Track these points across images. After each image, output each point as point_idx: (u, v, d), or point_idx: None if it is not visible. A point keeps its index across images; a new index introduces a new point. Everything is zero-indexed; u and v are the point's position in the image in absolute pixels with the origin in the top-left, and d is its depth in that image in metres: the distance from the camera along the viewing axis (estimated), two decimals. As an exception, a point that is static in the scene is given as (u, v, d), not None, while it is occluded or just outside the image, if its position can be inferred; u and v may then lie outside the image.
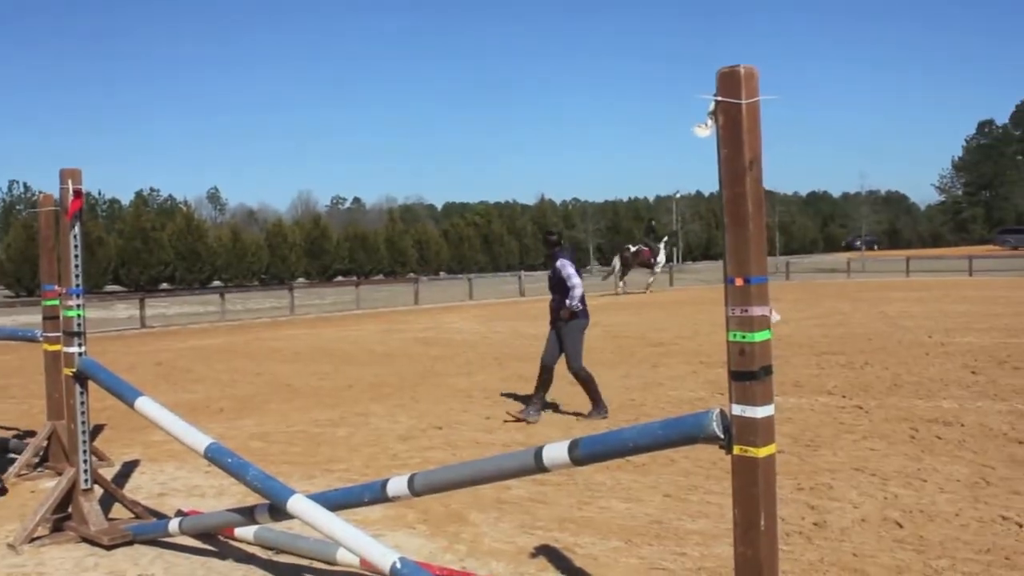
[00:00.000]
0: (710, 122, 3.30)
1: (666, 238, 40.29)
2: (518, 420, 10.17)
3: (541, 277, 51.93)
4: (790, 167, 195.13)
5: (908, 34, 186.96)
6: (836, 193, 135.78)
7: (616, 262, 37.81)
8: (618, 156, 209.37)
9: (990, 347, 15.01)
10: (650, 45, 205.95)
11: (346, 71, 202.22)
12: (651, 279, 37.47)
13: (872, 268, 52.89)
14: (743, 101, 3.23)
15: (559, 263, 10.55)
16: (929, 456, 7.92)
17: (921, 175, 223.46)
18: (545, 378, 10.48)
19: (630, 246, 38.29)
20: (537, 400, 10.44)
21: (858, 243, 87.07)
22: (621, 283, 37.00)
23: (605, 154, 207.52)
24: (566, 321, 10.47)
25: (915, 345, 15.65)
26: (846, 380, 12.13)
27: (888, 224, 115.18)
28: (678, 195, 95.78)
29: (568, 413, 10.76)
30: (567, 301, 10.38)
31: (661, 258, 37.99)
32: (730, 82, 3.27)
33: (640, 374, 13.48)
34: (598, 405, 10.43)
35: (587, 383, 10.41)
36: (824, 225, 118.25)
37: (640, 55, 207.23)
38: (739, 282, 3.27)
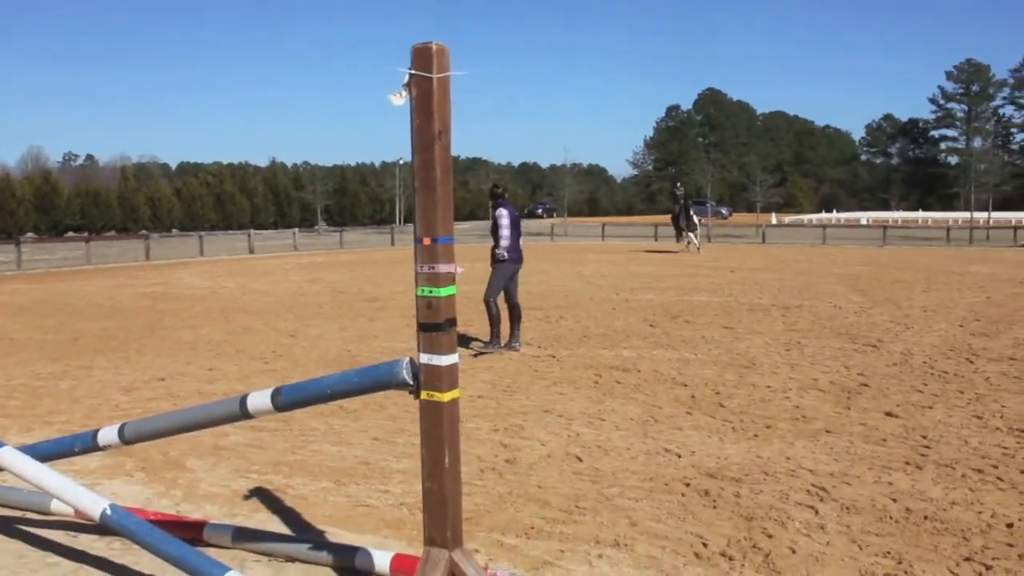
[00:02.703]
0: (404, 93, 3.30)
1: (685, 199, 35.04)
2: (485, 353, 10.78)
3: (271, 236, 50.42)
4: (505, 139, 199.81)
5: (613, 23, 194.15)
6: (544, 164, 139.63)
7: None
8: (347, 121, 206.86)
9: (667, 304, 15.92)
10: (380, 10, 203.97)
11: (78, 23, 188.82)
12: (693, 239, 33.90)
13: (573, 233, 54.91)
14: (434, 75, 3.26)
15: (497, 212, 10.96)
16: (609, 399, 8.33)
17: (618, 151, 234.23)
18: (513, 314, 11.23)
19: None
20: (512, 334, 11.17)
21: (540, 211, 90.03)
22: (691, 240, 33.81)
23: (335, 119, 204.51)
24: (494, 263, 10.99)
25: (604, 301, 16.39)
26: (542, 332, 12.54)
27: (588, 194, 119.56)
28: (401, 161, 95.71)
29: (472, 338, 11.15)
30: (496, 249, 10.90)
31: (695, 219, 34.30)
32: (423, 57, 3.28)
33: (357, 327, 13.44)
34: (494, 339, 11.00)
35: (492, 317, 10.98)
36: (533, 193, 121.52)
37: (366, 17, 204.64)
38: (427, 241, 3.32)
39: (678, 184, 39.94)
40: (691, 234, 33.45)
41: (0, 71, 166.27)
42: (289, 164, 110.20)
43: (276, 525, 5.11)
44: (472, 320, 13.12)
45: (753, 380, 9.08)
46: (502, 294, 11.19)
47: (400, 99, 3.33)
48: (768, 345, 11.29)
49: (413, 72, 3.31)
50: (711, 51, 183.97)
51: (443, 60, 3.33)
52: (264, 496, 5.62)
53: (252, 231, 43.82)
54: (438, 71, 3.30)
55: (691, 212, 33.89)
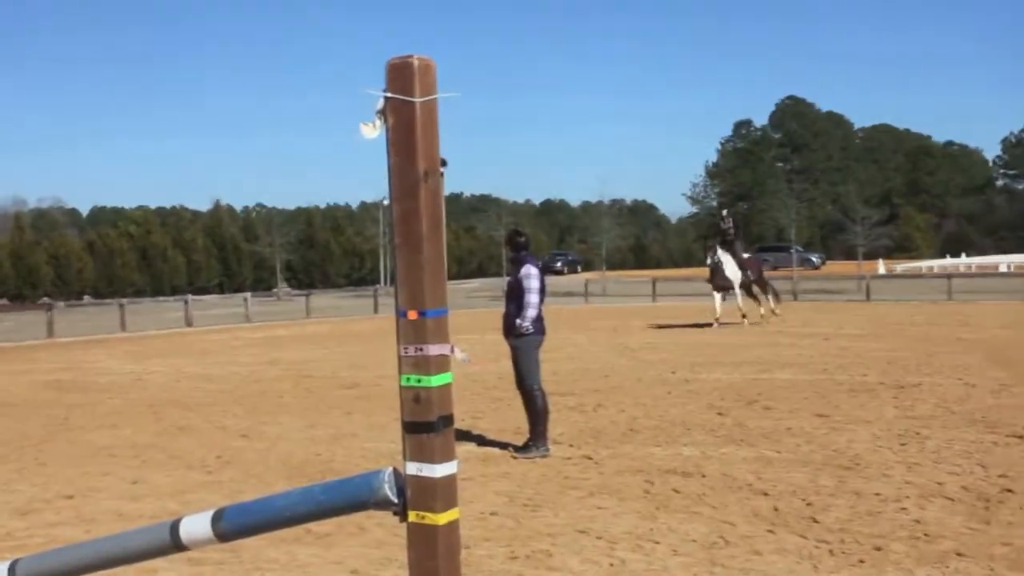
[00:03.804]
0: (379, 122, 3.34)
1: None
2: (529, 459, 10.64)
3: (215, 302, 50.92)
4: (522, 171, 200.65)
5: (659, 18, 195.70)
6: (574, 202, 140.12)
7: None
8: (313, 155, 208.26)
9: (739, 384, 15.95)
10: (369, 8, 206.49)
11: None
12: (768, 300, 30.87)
13: (614, 291, 54.98)
14: (416, 99, 3.28)
15: (524, 270, 10.96)
16: (664, 513, 8.33)
17: (671, 183, 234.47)
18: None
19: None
20: (534, 430, 11.02)
21: (559, 263, 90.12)
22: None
23: (298, 148, 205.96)
24: (517, 336, 10.94)
25: (656, 383, 16.42)
26: (575, 426, 12.57)
27: (634, 239, 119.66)
28: (386, 202, 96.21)
29: (493, 443, 11.24)
30: (519, 320, 10.88)
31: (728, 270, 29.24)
32: (401, 75, 3.30)
33: (330, 423, 13.49)
34: (540, 439, 10.87)
35: (536, 409, 10.91)
36: (560, 239, 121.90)
37: (352, 15, 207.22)
38: (412, 315, 3.33)
39: (724, 213, 33.76)
40: (738, 292, 29.16)
41: None
42: (238, 208, 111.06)
43: None
44: (483, 411, 13.16)
45: (856, 486, 9.06)
46: (515, 376, 11.27)
47: (374, 130, 3.36)
48: (876, 438, 11.28)
49: (389, 95, 3.34)
50: (791, 49, 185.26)
51: (428, 79, 3.34)
52: (205, 653, 5.63)
53: (190, 297, 44.16)
54: (422, 93, 3.31)
55: (738, 253, 29.58)
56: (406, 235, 3.34)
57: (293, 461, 10.92)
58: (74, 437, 13.07)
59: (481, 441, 11.69)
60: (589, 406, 14.13)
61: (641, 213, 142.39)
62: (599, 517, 8.27)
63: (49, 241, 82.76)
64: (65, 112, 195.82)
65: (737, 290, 29.24)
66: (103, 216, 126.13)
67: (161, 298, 60.61)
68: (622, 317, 35.02)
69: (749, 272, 29.62)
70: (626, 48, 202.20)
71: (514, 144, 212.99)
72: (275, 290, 71.49)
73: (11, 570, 4.28)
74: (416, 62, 3.32)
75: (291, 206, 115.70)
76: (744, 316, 28.77)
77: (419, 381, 3.35)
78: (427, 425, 3.36)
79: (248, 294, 47.37)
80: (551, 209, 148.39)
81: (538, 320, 11.07)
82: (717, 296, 29.25)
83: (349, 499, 3.54)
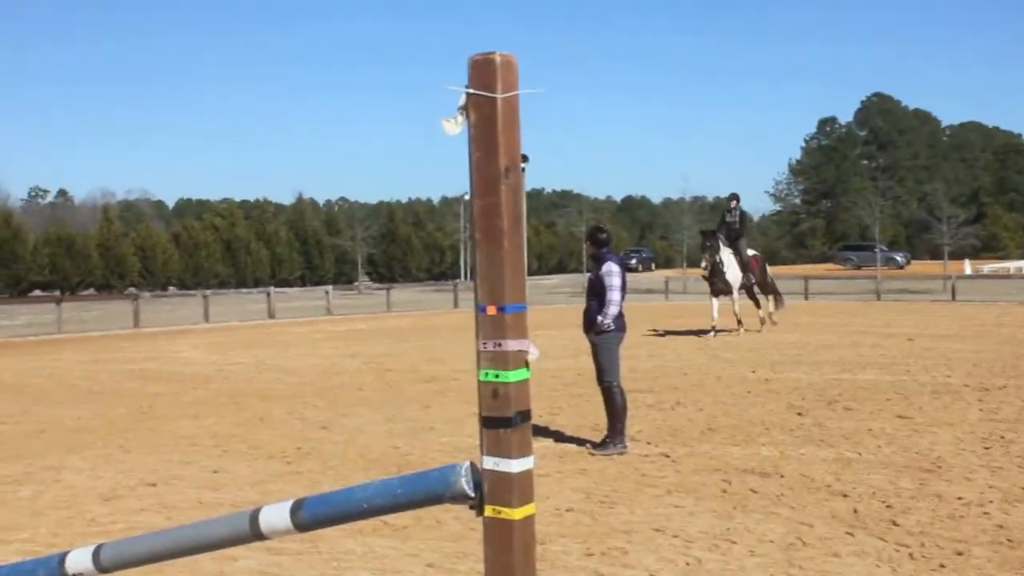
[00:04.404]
0: (460, 118, 3.35)
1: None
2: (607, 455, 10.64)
3: (297, 295, 51.37)
4: (603, 167, 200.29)
5: (743, 15, 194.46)
6: (656, 199, 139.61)
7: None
8: (395, 148, 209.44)
9: (820, 384, 15.80)
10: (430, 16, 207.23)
11: (47, 31, 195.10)
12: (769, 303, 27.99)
13: (694, 289, 54.64)
14: (499, 95, 3.29)
15: (606, 267, 11.00)
16: (741, 513, 8.28)
17: (754, 180, 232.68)
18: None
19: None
20: (612, 427, 10.97)
21: (633, 260, 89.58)
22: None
23: (379, 146, 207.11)
24: (598, 333, 10.97)
25: (736, 381, 16.33)
26: (653, 423, 12.54)
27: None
28: (467, 197, 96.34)
29: (570, 440, 11.18)
30: (599, 316, 10.91)
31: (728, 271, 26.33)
32: (484, 72, 3.31)
33: (408, 417, 13.57)
34: (618, 436, 10.87)
35: (615, 406, 10.90)
36: (641, 236, 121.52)
37: (415, 30, 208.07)
38: (491, 311, 3.34)
39: (733, 204, 28.27)
40: (735, 297, 26.45)
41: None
42: (320, 201, 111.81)
43: None
44: (561, 407, 13.16)
45: (938, 489, 8.96)
46: (595, 372, 11.28)
47: (456, 127, 3.37)
48: (959, 441, 11.14)
49: (471, 91, 3.35)
50: (877, 45, 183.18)
51: (510, 75, 3.35)
52: (282, 642, 5.70)
53: (272, 289, 44.54)
54: (503, 89, 3.32)
55: (742, 252, 26.61)
56: (487, 231, 3.34)
57: (371, 454, 11.00)
58: (157, 426, 13.26)
59: (558, 437, 11.70)
60: (667, 404, 14.09)
61: (723, 210, 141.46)
62: (675, 516, 8.25)
63: (136, 232, 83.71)
64: (151, 106, 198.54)
65: (735, 294, 26.36)
66: (188, 208, 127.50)
67: (244, 290, 61.20)
68: (702, 315, 34.77)
69: (751, 274, 26.67)
70: (709, 44, 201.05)
71: (596, 140, 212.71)
72: (356, 284, 71.87)
73: (96, 554, 4.37)
74: (498, 58, 3.32)
75: (373, 200, 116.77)
76: (740, 323, 26.06)
77: (497, 376, 3.36)
78: (504, 420, 3.36)
79: (330, 287, 47.66)
80: (632, 206, 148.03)
81: (619, 317, 11.08)
82: (715, 301, 26.34)
83: (427, 492, 3.56)
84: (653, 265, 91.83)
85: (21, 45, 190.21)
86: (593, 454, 10.79)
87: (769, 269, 28.88)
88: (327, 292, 44.32)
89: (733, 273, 25.97)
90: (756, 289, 27.31)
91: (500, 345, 3.35)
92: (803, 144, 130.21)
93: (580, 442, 11.32)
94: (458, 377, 17.77)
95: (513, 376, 3.36)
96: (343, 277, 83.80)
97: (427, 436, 12.09)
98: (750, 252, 27.19)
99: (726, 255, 25.97)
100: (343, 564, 7.07)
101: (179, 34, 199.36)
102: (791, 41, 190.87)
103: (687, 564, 6.94)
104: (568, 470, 10.01)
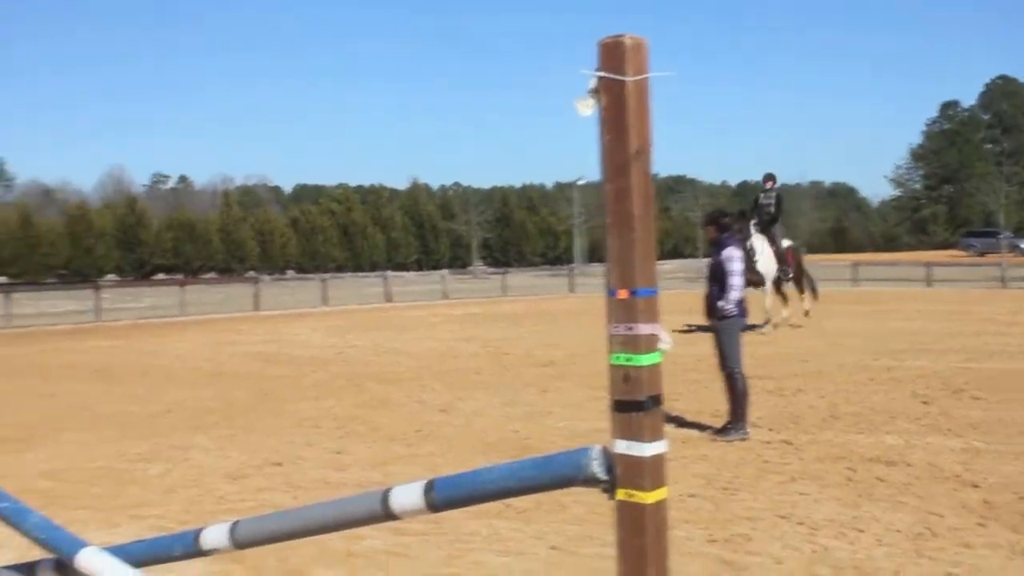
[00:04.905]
0: (592, 101, 3.35)
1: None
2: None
3: (413, 279, 51.64)
4: (717, 152, 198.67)
5: (858, 3, 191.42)
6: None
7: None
8: (509, 134, 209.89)
9: (945, 372, 15.51)
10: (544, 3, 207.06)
11: (170, 20, 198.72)
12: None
13: (813, 275, 53.99)
14: (628, 78, 3.28)
15: (727, 252, 11.07)
16: (867, 502, 8.17)
17: (873, 166, 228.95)
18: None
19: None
20: (735, 413, 10.98)
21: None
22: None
23: (493, 131, 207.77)
24: (720, 319, 11.02)
25: (858, 369, 16.10)
26: (774, 410, 12.43)
27: (834, 222, 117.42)
28: (582, 182, 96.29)
29: (690, 425, 11.24)
30: (721, 302, 10.95)
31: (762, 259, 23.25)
32: (614, 54, 3.29)
33: (525, 400, 13.62)
34: (739, 422, 10.88)
35: (737, 392, 10.93)
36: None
37: (531, 12, 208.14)
38: (623, 294, 3.33)
39: (768, 185, 24.94)
40: (768, 288, 23.48)
41: (69, 72, 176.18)
42: (435, 186, 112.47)
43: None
44: (680, 393, 13.11)
45: (1072, 480, 8.76)
46: (717, 358, 11.22)
47: (588, 108, 3.37)
48: (1092, 431, 10.87)
49: (601, 74, 3.35)
50: (1002, 26, 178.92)
51: (640, 58, 3.33)
52: (408, 621, 5.76)
53: (389, 273, 44.98)
54: (634, 72, 3.30)
55: (777, 240, 23.96)
56: (618, 214, 3.33)
57: (489, 437, 11.07)
58: (279, 407, 13.48)
59: (679, 423, 11.64)
60: (788, 390, 13.96)
61: (841, 196, 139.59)
62: (800, 503, 8.17)
63: (255, 217, 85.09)
64: (268, 93, 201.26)
65: (768, 286, 23.42)
66: (305, 194, 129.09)
67: (361, 274, 61.87)
68: (822, 302, 34.36)
69: (787, 267, 23.87)
70: (827, 28, 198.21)
71: (710, 125, 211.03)
72: (471, 268, 72.26)
73: (232, 531, 4.46)
74: (628, 41, 3.30)
75: (486, 185, 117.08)
76: (769, 320, 23.05)
77: (629, 360, 3.35)
78: (636, 404, 3.35)
79: (445, 271, 48.08)
80: (747, 191, 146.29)
81: (740, 302, 11.02)
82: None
83: (557, 475, 3.57)
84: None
85: (139, 36, 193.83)
86: (714, 440, 10.74)
87: (806, 261, 26.88)
88: (443, 276, 44.68)
89: (765, 263, 23.10)
90: (790, 284, 24.64)
91: (632, 329, 3.33)
92: (924, 128, 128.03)
93: (701, 428, 11.27)
94: (575, 362, 17.79)
95: (645, 360, 3.34)
96: (458, 261, 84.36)
97: (545, 420, 12.12)
98: (785, 243, 24.34)
99: (759, 242, 23.02)
100: (467, 545, 7.13)
101: (294, 23, 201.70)
102: (913, 24, 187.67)
103: (813, 552, 6.88)
104: (689, 456, 9.97)
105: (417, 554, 6.96)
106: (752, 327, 20.08)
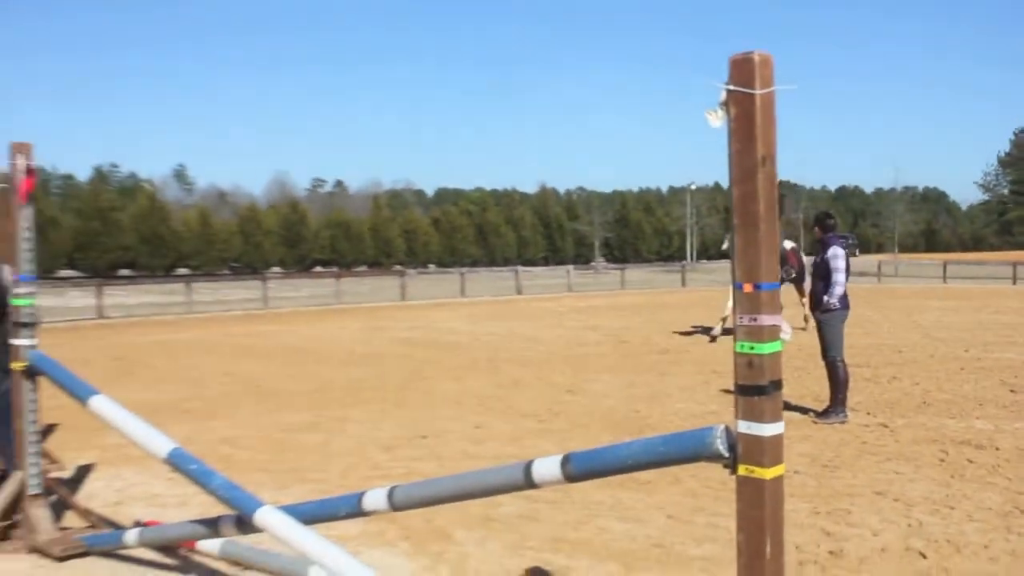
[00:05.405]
0: (721, 112, 3.33)
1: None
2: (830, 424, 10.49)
3: (540, 274, 51.72)
4: (818, 158, 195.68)
5: (951, 18, 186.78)
6: (869, 189, 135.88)
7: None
8: (627, 143, 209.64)
9: (1032, 364, 15.07)
10: (663, 24, 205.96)
11: (330, 43, 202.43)
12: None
13: (905, 273, 53.01)
14: (757, 91, 3.25)
15: (831, 251, 10.94)
16: (959, 481, 7.97)
17: (963, 172, 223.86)
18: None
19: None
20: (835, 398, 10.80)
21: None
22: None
23: (613, 141, 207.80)
24: (824, 312, 10.89)
25: (949, 359, 15.72)
26: (871, 396, 12.19)
27: (925, 224, 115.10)
28: (693, 187, 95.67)
29: (793, 408, 11.06)
30: (825, 296, 10.80)
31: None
32: (743, 70, 3.28)
33: (645, 383, 13.54)
34: (839, 407, 10.74)
35: (838, 378, 10.76)
36: (854, 223, 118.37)
37: (652, 33, 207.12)
38: (748, 288, 3.31)
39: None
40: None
41: (241, 89, 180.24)
42: (561, 190, 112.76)
43: (557, 614, 5.23)
44: (784, 379, 12.91)
45: None
46: (820, 347, 11.04)
47: (718, 120, 3.35)
48: None
49: (732, 88, 3.32)
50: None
51: (767, 72, 3.30)
52: (542, 579, 5.76)
53: (519, 268, 45.07)
54: (761, 86, 3.27)
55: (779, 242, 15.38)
56: (744, 214, 3.31)
57: (614, 416, 11.01)
58: (426, 386, 13.59)
59: (783, 406, 11.42)
60: (884, 378, 13.68)
61: (932, 200, 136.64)
62: (896, 481, 7.99)
63: (402, 218, 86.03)
64: (415, 105, 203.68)
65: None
66: (446, 196, 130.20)
67: (495, 268, 62.13)
68: (914, 297, 33.71)
69: (790, 268, 20.13)
70: (920, 37, 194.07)
71: (812, 132, 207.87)
72: (593, 264, 72.19)
73: (390, 494, 4.51)
74: (757, 57, 3.28)
75: (607, 189, 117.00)
76: (722, 323, 19.53)
77: (752, 348, 3.32)
78: (758, 388, 3.33)
79: (570, 266, 48.03)
80: (845, 195, 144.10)
81: (843, 297, 10.84)
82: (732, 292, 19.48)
83: (685, 451, 3.54)
84: (857, 251, 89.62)
85: (298, 52, 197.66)
86: (816, 422, 10.56)
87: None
88: (568, 271, 44.65)
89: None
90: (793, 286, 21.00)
91: (755, 320, 3.31)
92: (1012, 137, 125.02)
93: (803, 411, 11.09)
94: (689, 349, 17.67)
95: (767, 348, 3.32)
96: (581, 258, 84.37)
97: (664, 402, 12.02)
98: (789, 244, 20.65)
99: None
100: (594, 512, 7.11)
101: (437, 42, 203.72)
102: (1005, 32, 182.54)
103: (909, 526, 6.72)
104: (793, 436, 9.81)
105: (547, 519, 6.96)
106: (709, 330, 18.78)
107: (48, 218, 58.51)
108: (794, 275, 20.35)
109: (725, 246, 17.83)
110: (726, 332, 18.38)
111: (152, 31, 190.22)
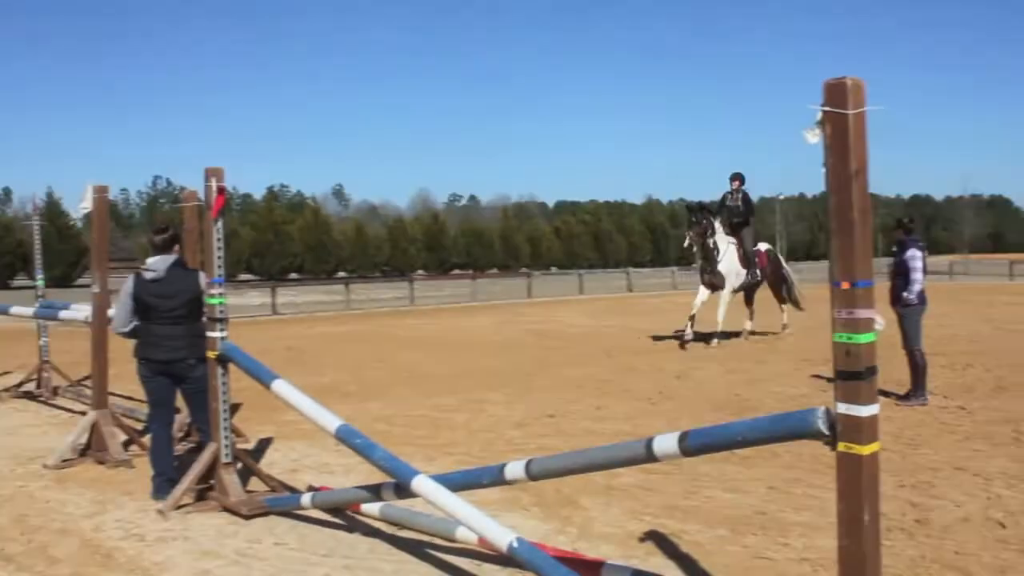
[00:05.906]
0: (818, 130, 3.31)
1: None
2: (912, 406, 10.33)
3: (648, 274, 51.39)
4: (893, 168, 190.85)
5: (1014, 28, 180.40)
6: (939, 196, 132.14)
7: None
8: (723, 156, 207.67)
9: (1097, 351, 14.46)
10: (769, 44, 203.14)
11: (466, 74, 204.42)
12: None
13: (975, 271, 51.34)
14: (850, 112, 3.23)
15: (909, 253, 10.75)
16: (1033, 459, 7.69)
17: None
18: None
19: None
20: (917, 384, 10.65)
21: None
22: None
23: (713, 152, 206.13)
24: (904, 307, 10.72)
25: (1020, 349, 15.16)
26: (947, 381, 11.84)
27: (992, 228, 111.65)
28: (782, 197, 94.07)
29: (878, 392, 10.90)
30: (905, 293, 10.62)
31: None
32: (837, 93, 3.27)
33: (745, 370, 13.35)
34: (919, 391, 10.58)
35: (917, 366, 10.62)
36: (927, 228, 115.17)
37: (758, 56, 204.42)
38: (845, 286, 3.28)
39: (735, 185, 18.44)
40: (726, 297, 17.55)
41: (388, 116, 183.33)
42: (664, 201, 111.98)
43: (673, 571, 5.19)
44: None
45: None
46: (901, 339, 10.77)
47: (815, 137, 3.33)
48: None
49: (827, 109, 3.30)
50: None
51: (859, 96, 3.29)
52: (658, 540, 5.72)
53: (630, 269, 44.86)
54: (854, 107, 3.26)
55: (746, 242, 17.85)
56: (840, 221, 3.30)
57: (717, 398, 10.89)
58: (552, 372, 13.60)
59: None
60: (959, 365, 13.27)
61: (998, 207, 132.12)
62: (974, 458, 7.74)
63: (527, 226, 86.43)
64: (539, 127, 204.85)
65: (726, 295, 17.39)
66: (565, 208, 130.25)
67: (608, 270, 61.99)
68: (984, 293, 32.62)
69: (757, 271, 17.85)
70: (986, 47, 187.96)
71: (884, 143, 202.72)
72: (693, 265, 71.51)
73: (527, 466, 4.54)
74: (849, 82, 3.27)
75: (705, 199, 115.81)
76: (714, 334, 17.08)
77: (849, 338, 3.29)
78: (856, 374, 3.30)
79: (674, 268, 47.66)
80: (918, 203, 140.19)
81: (921, 293, 10.57)
82: (702, 292, 17.56)
83: (790, 430, 3.51)
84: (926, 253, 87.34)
85: (440, 79, 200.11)
86: (899, 404, 10.30)
87: (787, 266, 19.75)
88: (672, 272, 44.32)
89: (727, 264, 17.30)
90: (755, 294, 18.67)
91: (852, 313, 3.28)
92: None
93: (886, 395, 10.77)
94: (782, 339, 17.38)
95: (863, 338, 3.29)
96: (683, 260, 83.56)
97: (762, 386, 11.84)
98: (762, 247, 18.57)
99: (723, 242, 17.43)
100: (701, 483, 7.04)
101: (552, 69, 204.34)
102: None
103: (988, 499, 6.51)
104: (879, 417, 9.57)
105: (661, 489, 6.91)
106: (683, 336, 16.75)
107: (231, 231, 60.16)
108: (760, 279, 18.06)
109: (687, 243, 17.34)
110: (701, 336, 17.04)
111: (314, 80, 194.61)
